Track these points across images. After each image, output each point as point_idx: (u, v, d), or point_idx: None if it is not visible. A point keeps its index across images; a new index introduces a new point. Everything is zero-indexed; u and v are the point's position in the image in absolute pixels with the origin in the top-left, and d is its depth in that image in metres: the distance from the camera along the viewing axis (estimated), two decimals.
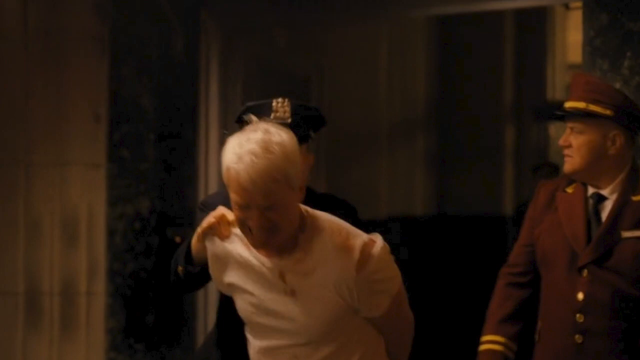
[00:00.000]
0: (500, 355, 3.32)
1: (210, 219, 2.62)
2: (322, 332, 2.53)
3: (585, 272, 3.15)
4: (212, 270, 2.66)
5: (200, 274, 2.81)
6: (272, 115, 2.94)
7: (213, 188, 5.17)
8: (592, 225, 3.20)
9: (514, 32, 7.62)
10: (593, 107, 3.17)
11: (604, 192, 3.22)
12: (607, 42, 4.21)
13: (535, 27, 7.73)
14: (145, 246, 5.07)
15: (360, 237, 2.51)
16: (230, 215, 2.58)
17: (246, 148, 2.39)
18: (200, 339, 5.15)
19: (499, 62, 7.59)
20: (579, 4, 4.72)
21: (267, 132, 2.43)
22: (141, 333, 5.05)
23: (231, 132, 2.50)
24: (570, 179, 3.29)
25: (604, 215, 3.20)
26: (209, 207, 2.80)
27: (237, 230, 2.55)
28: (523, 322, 3.33)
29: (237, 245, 2.57)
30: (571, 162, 3.22)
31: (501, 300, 3.35)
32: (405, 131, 7.55)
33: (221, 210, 2.62)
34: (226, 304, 2.84)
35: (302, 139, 2.79)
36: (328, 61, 6.78)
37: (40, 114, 4.93)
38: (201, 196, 5.15)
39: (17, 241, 4.94)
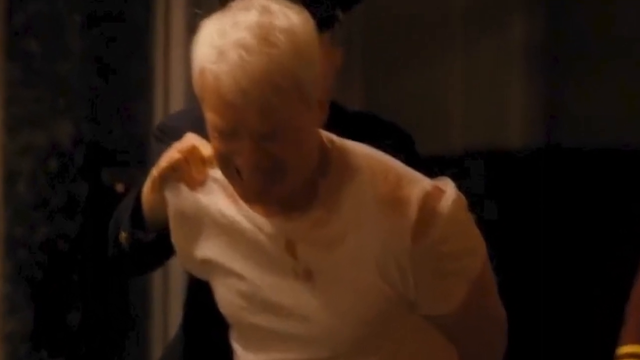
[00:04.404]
0: None
1: (173, 154, 2.64)
2: (355, 340, 2.56)
3: None
4: (176, 237, 2.69)
5: (156, 244, 2.83)
6: None
7: (177, 104, 5.18)
8: None
9: None
10: None
11: None
12: None
13: None
14: (67, 199, 5.10)
15: (419, 183, 2.52)
16: (205, 149, 2.59)
17: (232, 38, 2.40)
18: (157, 350, 5.19)
19: None
20: None
21: (265, 11, 2.44)
22: (59, 342, 5.09)
23: (206, 11, 2.50)
24: None
25: None
26: (171, 134, 2.85)
27: (216, 173, 2.57)
28: None
29: (217, 198, 2.60)
30: None
31: None
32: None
33: (191, 140, 2.64)
34: (198, 294, 2.87)
35: (323, 22, 2.80)
36: None
37: None
38: (157, 117, 5.17)
39: None
